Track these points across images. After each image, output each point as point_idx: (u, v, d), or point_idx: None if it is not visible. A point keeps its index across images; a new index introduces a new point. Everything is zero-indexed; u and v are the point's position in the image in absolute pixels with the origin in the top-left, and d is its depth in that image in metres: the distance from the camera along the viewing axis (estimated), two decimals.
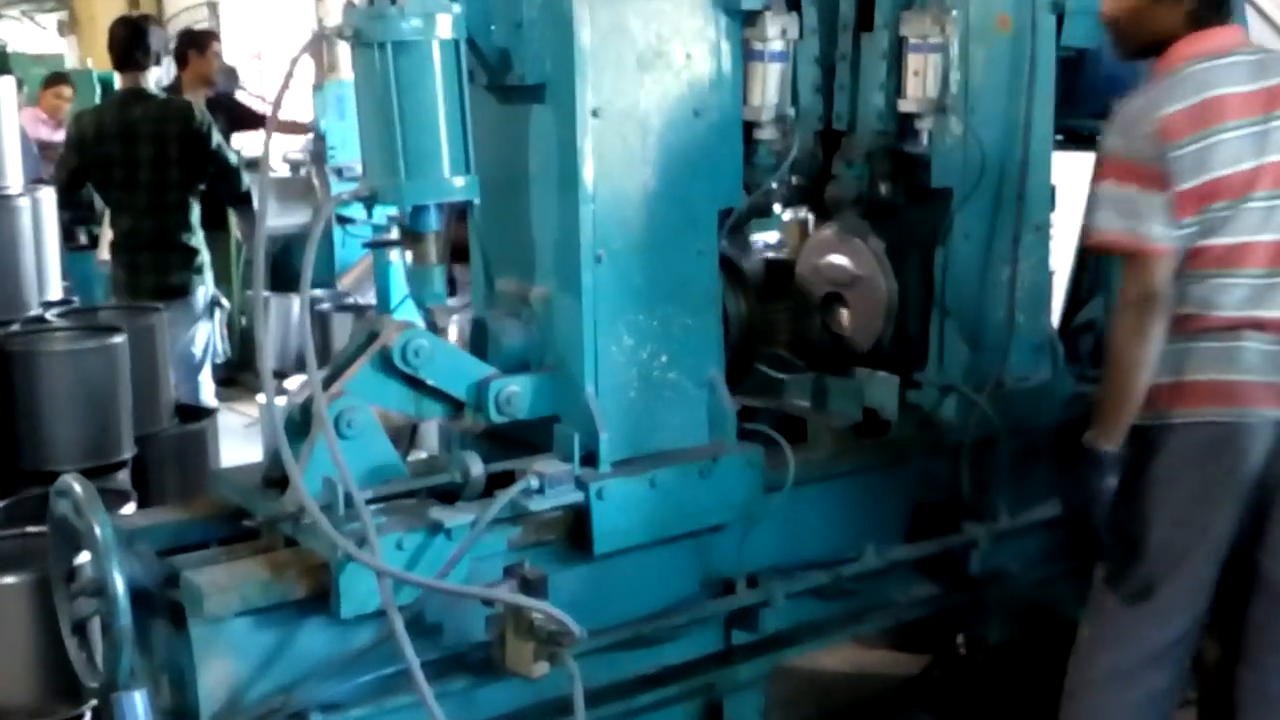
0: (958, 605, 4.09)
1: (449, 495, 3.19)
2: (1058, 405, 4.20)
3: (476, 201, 3.16)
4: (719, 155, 3.47)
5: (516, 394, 3.31)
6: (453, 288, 3.46)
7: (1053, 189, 4.20)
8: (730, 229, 3.67)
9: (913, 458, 4.06)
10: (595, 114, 3.26)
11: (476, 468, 3.20)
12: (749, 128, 3.74)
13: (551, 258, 3.39)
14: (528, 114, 3.35)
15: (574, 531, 3.33)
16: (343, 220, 8.96)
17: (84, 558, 3.00)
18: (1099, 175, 3.25)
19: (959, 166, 4.01)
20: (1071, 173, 4.21)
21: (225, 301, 6.59)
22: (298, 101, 9.46)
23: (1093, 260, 4.98)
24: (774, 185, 3.93)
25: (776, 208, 4.32)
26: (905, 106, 4.01)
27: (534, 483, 3.22)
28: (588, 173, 3.28)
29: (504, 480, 3.22)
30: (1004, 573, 4.08)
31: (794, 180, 4.18)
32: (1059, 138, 4.21)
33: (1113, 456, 3.27)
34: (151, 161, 6.15)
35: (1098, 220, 3.20)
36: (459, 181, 3.11)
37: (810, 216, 4.45)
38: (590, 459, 3.33)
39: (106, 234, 6.68)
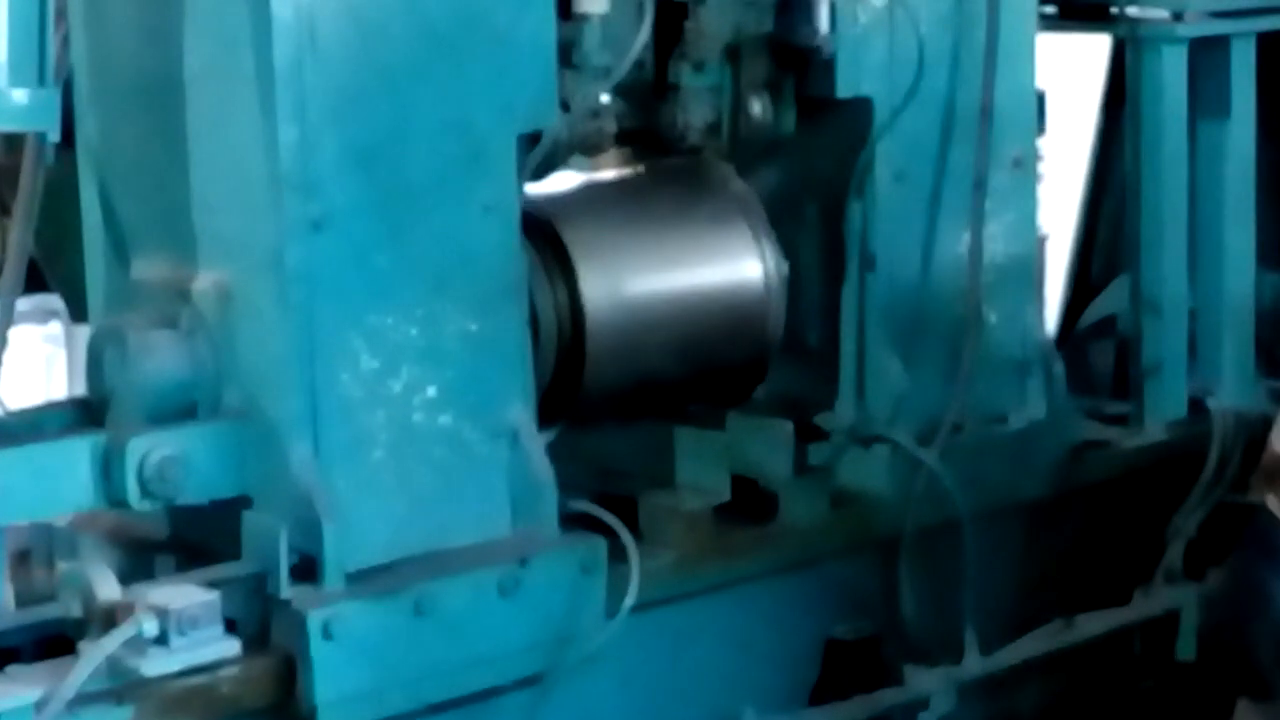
0: None
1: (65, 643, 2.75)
2: (1058, 462, 3.72)
3: (53, 138, 2.78)
4: (517, 40, 3.03)
5: (174, 461, 2.82)
6: (34, 279, 3.30)
7: (1040, 97, 3.71)
8: (540, 169, 3.24)
9: (818, 559, 3.48)
10: None
11: (106, 589, 2.71)
12: None
13: (231, 223, 2.93)
14: None
15: (280, 701, 2.78)
16: None
17: None
18: None
19: (882, 63, 3.50)
20: (1069, 70, 4.11)
21: None
22: None
23: (1112, 217, 4.42)
24: (605, 98, 3.36)
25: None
26: None
27: (149, 626, 2.60)
28: (291, 69, 2.82)
29: None
30: None
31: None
32: (1048, 10, 3.86)
33: None
34: None
35: None
36: (18, 97, 2.75)
37: (632, 152, 3.74)
38: (308, 569, 2.83)
39: None
